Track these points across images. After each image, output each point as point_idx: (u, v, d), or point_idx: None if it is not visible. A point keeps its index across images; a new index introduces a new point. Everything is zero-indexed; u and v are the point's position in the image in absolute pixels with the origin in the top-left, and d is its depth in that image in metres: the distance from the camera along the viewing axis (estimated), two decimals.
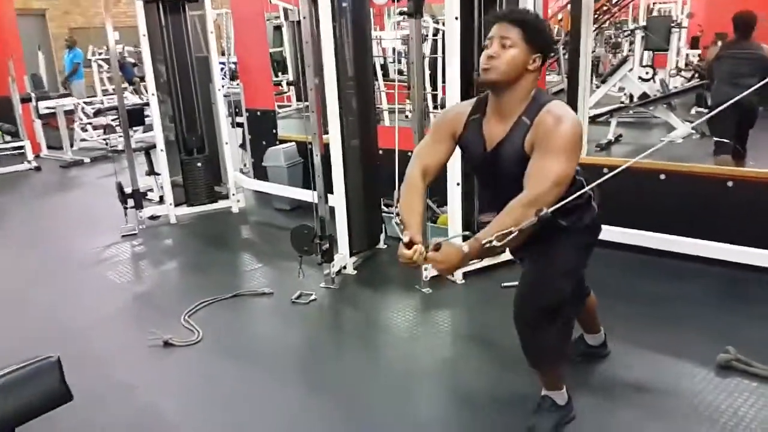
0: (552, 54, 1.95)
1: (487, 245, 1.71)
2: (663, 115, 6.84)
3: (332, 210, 3.68)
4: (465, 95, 3.28)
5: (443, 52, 6.16)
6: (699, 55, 9.57)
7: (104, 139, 7.83)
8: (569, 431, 2.26)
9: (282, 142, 5.38)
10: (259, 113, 5.57)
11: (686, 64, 9.48)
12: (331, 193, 3.67)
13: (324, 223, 3.49)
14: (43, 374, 1.24)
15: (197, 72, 4.93)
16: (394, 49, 7.44)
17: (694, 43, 9.76)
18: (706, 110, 7.53)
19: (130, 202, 4.80)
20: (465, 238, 1.84)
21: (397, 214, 2.01)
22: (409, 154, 4.67)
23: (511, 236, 1.69)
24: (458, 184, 3.42)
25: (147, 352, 2.99)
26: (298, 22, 7.80)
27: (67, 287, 3.91)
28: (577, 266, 2.15)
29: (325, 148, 3.55)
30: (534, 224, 1.70)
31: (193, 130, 4.96)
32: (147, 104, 6.01)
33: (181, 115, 4.92)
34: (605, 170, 3.70)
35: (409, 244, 1.84)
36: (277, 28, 8.64)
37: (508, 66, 1.85)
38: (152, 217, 4.97)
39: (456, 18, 3.22)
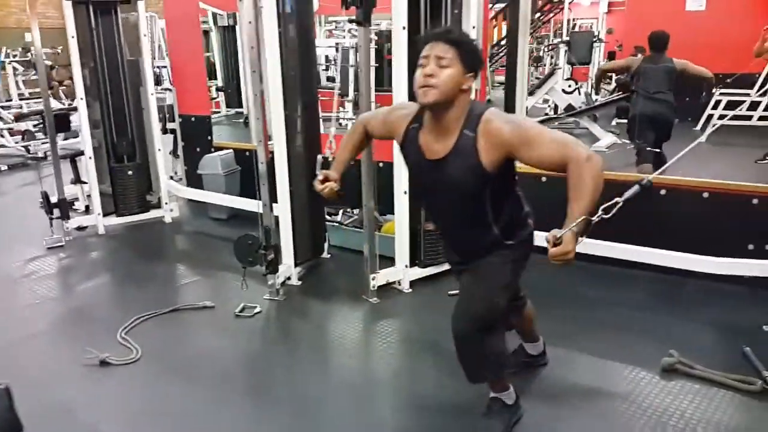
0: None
1: (595, 220, 1.72)
2: (589, 126, 7.13)
3: (276, 219, 3.59)
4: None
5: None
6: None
7: (24, 146, 7.38)
8: None
9: (217, 149, 5.24)
10: (193, 119, 5.41)
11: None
12: (275, 201, 3.59)
13: (269, 232, 3.40)
14: None
15: (128, 76, 4.73)
16: (327, 57, 7.42)
17: (610, 57, 10.25)
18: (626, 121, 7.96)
19: (56, 212, 4.53)
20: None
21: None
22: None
23: (620, 205, 1.74)
24: (405, 193, 3.43)
25: (83, 372, 2.81)
26: (228, 27, 7.67)
27: None
28: (512, 280, 2.17)
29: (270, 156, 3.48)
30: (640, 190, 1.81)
31: (123, 136, 4.75)
32: (72, 109, 5.71)
33: (111, 121, 4.70)
34: (543, 178, 3.83)
35: (324, 180, 2.19)
36: (205, 33, 8.46)
37: (445, 86, 1.87)
38: (79, 228, 4.72)
39: (404, 28, 3.24)
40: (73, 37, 4.41)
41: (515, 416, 2.33)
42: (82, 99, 4.53)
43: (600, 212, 1.72)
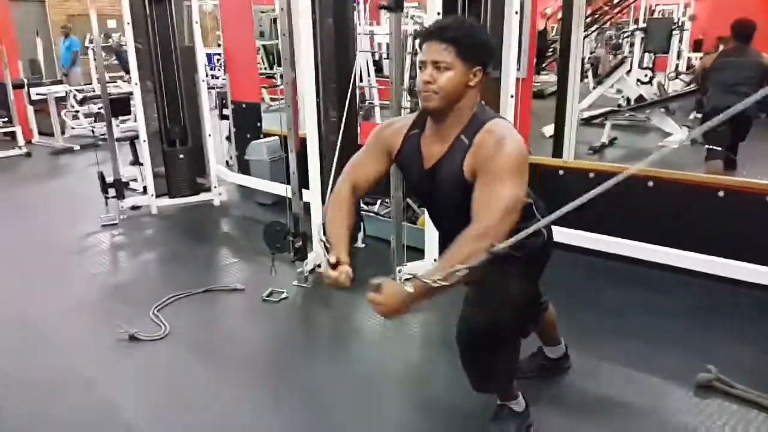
0: (490, 63, 1.84)
1: (435, 284, 1.50)
2: (658, 120, 6.74)
3: (307, 206, 3.61)
4: None
5: None
6: (700, 59, 9.47)
7: (92, 128, 7.81)
8: None
9: (267, 135, 5.33)
10: (244, 105, 5.51)
11: (688, 68, 9.36)
12: (307, 188, 3.60)
13: (298, 220, 3.42)
14: None
15: (182, 62, 4.86)
16: (387, 45, 7.33)
17: (697, 46, 9.63)
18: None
19: (111, 192, 4.75)
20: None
21: (324, 229, 1.88)
22: None
23: (459, 274, 1.50)
24: None
25: (111, 345, 2.92)
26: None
27: (39, 274, 3.85)
28: (525, 294, 2.02)
29: (302, 143, 3.49)
30: (486, 260, 1.48)
31: (175, 121, 4.90)
32: (129, 94, 5.94)
33: (164, 106, 4.86)
34: (591, 174, 3.65)
35: (335, 265, 1.77)
36: (274, 21, 8.59)
37: (445, 91, 1.75)
38: (133, 208, 4.92)
39: (438, 14, 3.15)
40: (128, 23, 4.57)
41: (524, 425, 2.22)
42: (136, 84, 4.70)
43: (437, 277, 1.49)
